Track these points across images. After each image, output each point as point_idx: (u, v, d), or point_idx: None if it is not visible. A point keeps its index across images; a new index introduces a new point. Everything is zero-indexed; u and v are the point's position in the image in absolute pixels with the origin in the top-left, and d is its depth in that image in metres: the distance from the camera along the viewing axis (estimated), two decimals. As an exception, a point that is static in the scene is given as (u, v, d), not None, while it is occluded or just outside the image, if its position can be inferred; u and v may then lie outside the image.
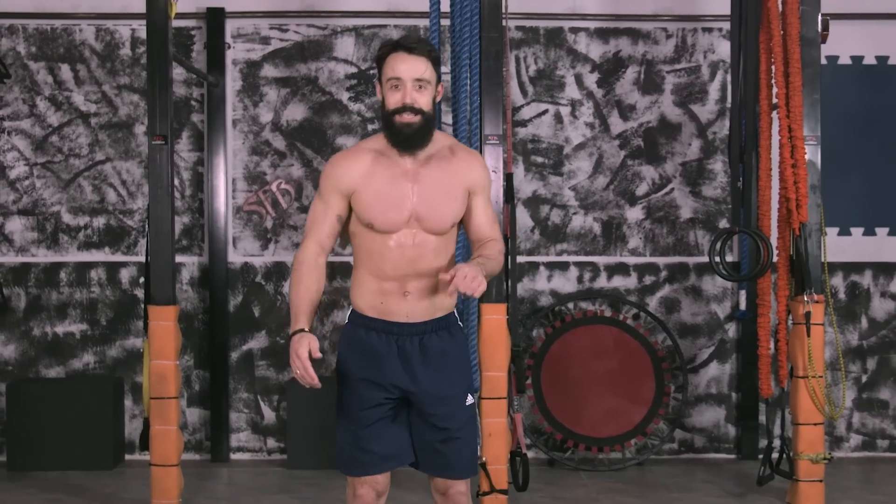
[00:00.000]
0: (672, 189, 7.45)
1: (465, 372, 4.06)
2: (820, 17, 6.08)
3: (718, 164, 7.43)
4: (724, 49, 7.38)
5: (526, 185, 7.39)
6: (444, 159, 3.93)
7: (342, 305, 7.35)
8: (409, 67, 3.80)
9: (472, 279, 3.62)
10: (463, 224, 4.03)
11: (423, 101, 3.82)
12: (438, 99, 3.94)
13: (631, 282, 7.44)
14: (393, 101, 3.82)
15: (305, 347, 3.68)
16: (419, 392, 3.90)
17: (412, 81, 3.80)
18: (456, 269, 3.65)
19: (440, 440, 3.93)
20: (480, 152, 5.68)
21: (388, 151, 3.90)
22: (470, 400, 4.02)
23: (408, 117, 3.81)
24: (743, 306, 7.32)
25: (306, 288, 3.85)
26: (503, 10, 5.85)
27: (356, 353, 3.93)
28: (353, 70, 7.37)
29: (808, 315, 5.94)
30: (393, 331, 3.90)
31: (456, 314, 4.05)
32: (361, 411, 3.90)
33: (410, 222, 3.85)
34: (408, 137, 3.83)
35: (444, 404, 3.94)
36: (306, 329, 3.75)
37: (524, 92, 7.41)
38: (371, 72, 7.37)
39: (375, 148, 3.92)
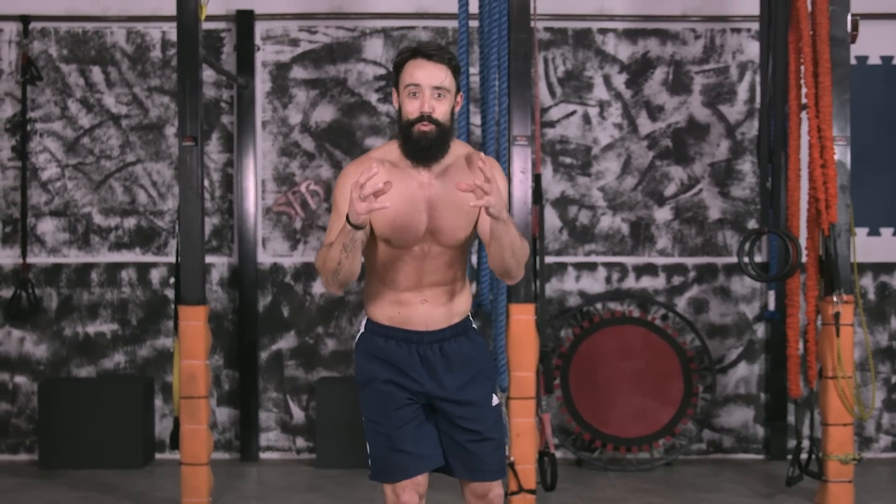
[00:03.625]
0: (700, 189, 7.44)
1: (488, 373, 4.02)
2: (850, 17, 6.06)
3: (747, 165, 7.41)
4: (752, 49, 7.36)
5: (554, 185, 7.40)
6: (461, 169, 3.74)
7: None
8: (427, 74, 3.63)
9: (489, 194, 3.40)
10: (478, 229, 3.84)
11: (441, 110, 3.65)
12: (458, 110, 3.77)
13: (659, 282, 7.43)
14: (410, 109, 3.65)
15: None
16: (447, 398, 3.86)
17: (430, 89, 3.63)
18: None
19: (470, 440, 3.88)
20: (509, 153, 5.71)
21: (401, 163, 3.73)
22: (496, 400, 3.98)
23: (424, 126, 3.63)
24: (772, 307, 7.30)
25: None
26: (532, 12, 5.87)
27: (377, 360, 3.88)
28: (382, 71, 7.40)
29: (837, 315, 5.93)
30: (412, 339, 3.85)
31: (470, 317, 4.00)
32: (393, 412, 3.84)
33: (425, 237, 3.75)
34: (424, 149, 3.65)
35: (472, 408, 3.89)
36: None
37: (552, 93, 7.42)
38: (399, 73, 7.38)
39: (388, 159, 3.75)
